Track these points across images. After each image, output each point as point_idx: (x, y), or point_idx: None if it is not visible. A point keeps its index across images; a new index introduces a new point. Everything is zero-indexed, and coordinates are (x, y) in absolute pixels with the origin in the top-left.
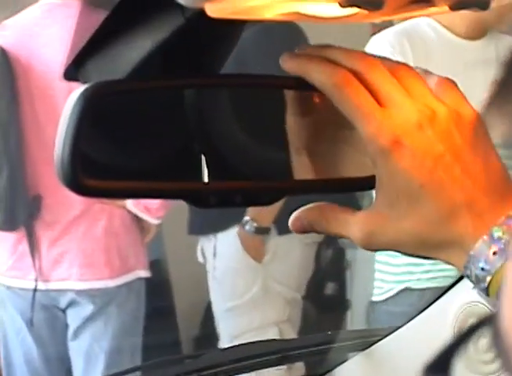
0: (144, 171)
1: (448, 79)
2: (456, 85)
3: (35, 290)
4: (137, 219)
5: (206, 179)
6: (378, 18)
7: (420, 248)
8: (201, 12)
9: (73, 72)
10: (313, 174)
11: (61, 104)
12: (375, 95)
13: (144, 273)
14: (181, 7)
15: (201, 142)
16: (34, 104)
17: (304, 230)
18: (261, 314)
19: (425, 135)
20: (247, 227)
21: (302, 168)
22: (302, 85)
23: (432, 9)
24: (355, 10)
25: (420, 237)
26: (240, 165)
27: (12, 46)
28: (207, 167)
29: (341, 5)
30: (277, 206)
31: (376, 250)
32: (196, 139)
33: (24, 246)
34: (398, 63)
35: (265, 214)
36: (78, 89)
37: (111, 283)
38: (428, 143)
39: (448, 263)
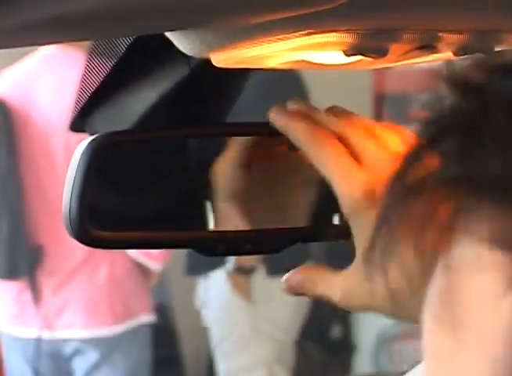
0: (151, 220)
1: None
2: None
3: (39, 339)
4: (140, 265)
5: (211, 227)
6: (382, 65)
7: (393, 313)
8: (206, 62)
9: (79, 123)
10: (241, 223)
11: (59, 154)
12: (353, 153)
13: (148, 318)
14: (186, 57)
15: (205, 189)
16: (33, 154)
17: (295, 293)
18: (249, 354)
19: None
20: (231, 266)
21: (228, 216)
22: None
23: (436, 56)
24: (359, 57)
25: (397, 296)
26: (247, 211)
27: (10, 97)
28: (213, 214)
29: (346, 54)
30: None
31: (356, 311)
32: (201, 186)
33: (27, 295)
34: (375, 121)
35: None
36: (85, 140)
37: (115, 330)
38: None
39: None
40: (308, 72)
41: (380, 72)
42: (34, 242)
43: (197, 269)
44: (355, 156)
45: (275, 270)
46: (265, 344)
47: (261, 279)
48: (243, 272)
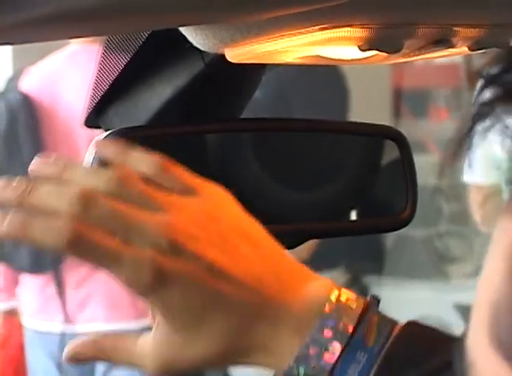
0: None
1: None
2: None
3: (63, 332)
4: None
5: None
6: (397, 60)
7: (222, 363)
8: (221, 58)
9: (94, 119)
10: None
11: (83, 149)
12: (117, 233)
13: None
14: (200, 53)
15: (223, 185)
16: (58, 149)
17: (86, 361)
18: None
19: (183, 254)
20: None
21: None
22: (322, 128)
23: (451, 51)
24: (374, 52)
25: (219, 354)
26: (263, 209)
27: (36, 92)
28: None
29: (361, 49)
30: (309, 249)
31: (174, 375)
32: (219, 183)
33: (51, 289)
34: (127, 173)
35: (297, 253)
36: (99, 136)
37: (136, 325)
38: (190, 263)
39: (262, 366)
40: None
41: (398, 67)
42: None
43: None
44: (126, 233)
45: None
46: None
47: None
48: None
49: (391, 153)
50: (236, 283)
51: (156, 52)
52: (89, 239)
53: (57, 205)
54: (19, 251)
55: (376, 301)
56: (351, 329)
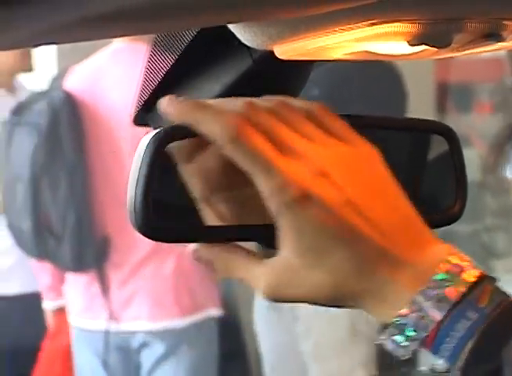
0: None
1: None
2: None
3: (108, 331)
4: None
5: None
6: (446, 55)
7: (331, 300)
8: (269, 54)
9: (142, 117)
10: (226, 221)
11: (127, 146)
12: (275, 144)
13: (215, 312)
14: (249, 49)
15: None
16: (101, 147)
17: (200, 262)
18: (350, 356)
19: (330, 182)
20: None
21: (212, 217)
22: (369, 123)
23: (501, 44)
24: (423, 47)
25: (332, 289)
26: None
27: (79, 91)
28: None
29: (410, 44)
30: None
31: (282, 302)
32: None
33: (96, 287)
34: (292, 106)
35: None
36: (149, 133)
37: (181, 323)
38: (334, 191)
39: (369, 312)
40: None
41: (442, 62)
42: (101, 234)
43: None
44: (279, 149)
45: None
46: (363, 344)
47: None
48: None
49: (437, 148)
50: (372, 224)
51: (204, 50)
52: (251, 139)
53: (227, 105)
54: (61, 248)
55: (494, 279)
56: (465, 289)
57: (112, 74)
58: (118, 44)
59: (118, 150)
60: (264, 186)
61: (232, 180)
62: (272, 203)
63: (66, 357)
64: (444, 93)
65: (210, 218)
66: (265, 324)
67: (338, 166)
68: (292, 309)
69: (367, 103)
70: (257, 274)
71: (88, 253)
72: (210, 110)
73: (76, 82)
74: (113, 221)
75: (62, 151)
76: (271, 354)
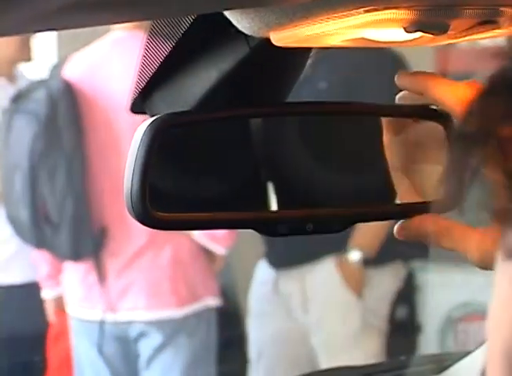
0: (211, 201)
1: None
2: None
3: (105, 321)
4: (204, 248)
5: (274, 207)
6: (443, 41)
7: None
8: (266, 41)
9: (139, 105)
10: (414, 194)
11: (125, 135)
12: None
13: (213, 302)
14: (245, 37)
15: (268, 170)
16: (99, 136)
17: (408, 239)
18: (362, 350)
19: None
20: (354, 257)
21: (402, 188)
22: (366, 110)
23: (498, 31)
24: (419, 34)
25: None
26: (309, 192)
27: (77, 79)
28: (275, 194)
29: (406, 31)
30: (380, 234)
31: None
32: (264, 167)
33: (93, 277)
34: None
35: (372, 242)
36: (146, 121)
37: (179, 313)
38: None
39: None
40: None
41: (443, 50)
42: (99, 223)
43: (283, 260)
44: None
45: (384, 260)
46: (374, 337)
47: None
48: (366, 262)
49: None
50: None
51: (201, 37)
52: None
53: None
54: (59, 237)
55: None
56: None
57: (112, 63)
58: (118, 32)
59: (117, 139)
60: None
61: (424, 155)
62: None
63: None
64: None
65: (404, 188)
66: (261, 308)
67: None
68: (303, 301)
69: (376, 94)
70: (469, 243)
71: (86, 242)
72: (440, 79)
73: (75, 71)
74: (111, 210)
75: (60, 140)
76: (262, 339)
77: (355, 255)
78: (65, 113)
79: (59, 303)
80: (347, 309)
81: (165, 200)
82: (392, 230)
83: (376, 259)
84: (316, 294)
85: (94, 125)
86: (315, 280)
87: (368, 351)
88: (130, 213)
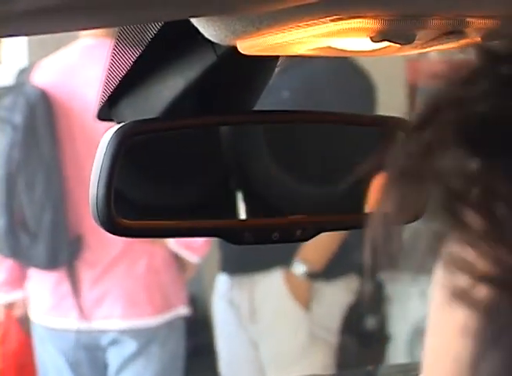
0: (179, 209)
1: None
2: None
3: (77, 330)
4: (177, 256)
5: (242, 216)
6: (410, 51)
7: None
8: (233, 49)
9: (106, 112)
10: None
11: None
12: None
13: (184, 311)
14: (212, 44)
15: (237, 178)
16: (76, 145)
17: None
18: (310, 362)
19: None
20: (298, 270)
21: None
22: (333, 119)
23: (464, 41)
24: (386, 44)
25: None
26: (277, 200)
27: (52, 86)
28: (244, 203)
29: (373, 40)
30: (330, 248)
31: None
32: (233, 176)
33: (66, 286)
34: None
35: (319, 256)
36: (112, 128)
37: (153, 322)
38: None
39: None
40: None
41: (413, 62)
42: (75, 232)
43: (236, 267)
44: None
45: (335, 274)
46: (323, 349)
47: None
48: (311, 276)
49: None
50: None
51: (168, 45)
52: None
53: None
54: (35, 247)
55: None
56: None
57: (84, 70)
58: (88, 39)
59: (93, 147)
60: None
61: None
62: None
63: (21, 358)
64: (415, 93)
65: None
66: (221, 319)
67: None
68: (252, 311)
69: (338, 105)
70: None
71: (62, 252)
72: None
73: (48, 78)
74: (87, 219)
75: (38, 149)
76: (226, 348)
77: (299, 268)
78: (42, 121)
79: (11, 308)
80: (294, 321)
81: (131, 208)
82: (348, 242)
83: (326, 272)
84: (265, 305)
85: (70, 133)
86: (263, 290)
87: (316, 363)
88: (95, 220)
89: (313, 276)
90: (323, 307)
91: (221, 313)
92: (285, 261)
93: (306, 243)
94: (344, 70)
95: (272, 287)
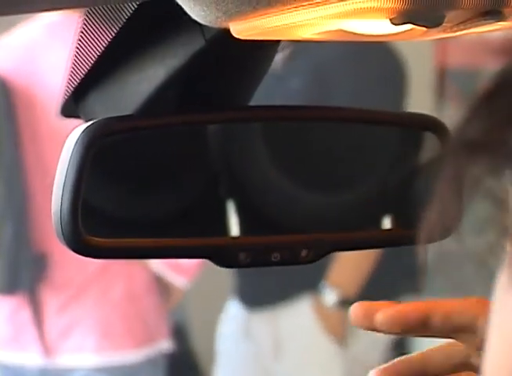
0: (159, 224)
1: None
2: None
3: (42, 368)
4: (160, 280)
5: (234, 233)
6: (437, 36)
7: None
8: (225, 33)
9: (71, 107)
10: None
11: None
12: None
13: (167, 345)
14: (200, 27)
15: (228, 186)
16: (41, 143)
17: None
18: None
19: None
20: (328, 297)
21: None
22: (346, 117)
23: (502, 24)
24: (409, 27)
25: None
26: (277, 215)
27: (11, 72)
28: (237, 217)
29: (393, 23)
30: (364, 267)
31: None
32: (223, 183)
33: (26, 313)
34: None
35: (352, 278)
36: (79, 127)
37: (133, 356)
38: None
39: None
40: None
41: (442, 43)
42: (39, 248)
43: (254, 298)
44: None
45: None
46: None
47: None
48: (344, 304)
49: (432, 148)
50: None
51: (147, 26)
52: None
53: None
54: None
55: None
56: None
57: (52, 53)
58: (53, 15)
59: (60, 146)
60: None
61: None
62: None
63: None
64: (444, 77)
65: None
66: (231, 356)
67: None
68: (275, 347)
69: (356, 94)
70: None
71: (23, 272)
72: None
73: (3, 62)
74: (52, 234)
75: None
76: None
77: (330, 295)
78: (2, 117)
79: None
80: (327, 358)
81: (102, 223)
82: (381, 262)
83: (363, 298)
84: (291, 340)
85: (33, 130)
86: (290, 321)
87: None
88: (59, 238)
89: (347, 303)
90: (362, 341)
91: (232, 350)
92: (313, 285)
93: (335, 262)
94: (366, 49)
95: (299, 319)
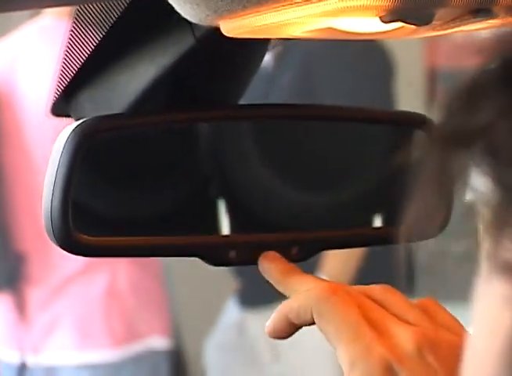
0: (149, 223)
1: (431, 300)
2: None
3: (22, 364)
4: (156, 274)
5: (224, 231)
6: (427, 34)
7: None
8: (215, 31)
9: (62, 106)
10: None
11: (50, 146)
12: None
13: (160, 344)
14: (190, 25)
15: (219, 185)
16: (20, 146)
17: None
18: None
19: (424, 362)
20: None
21: None
22: (336, 115)
23: (492, 22)
24: (398, 25)
25: None
26: (267, 214)
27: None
28: (227, 215)
29: (382, 20)
30: (354, 259)
31: None
32: (213, 182)
33: (8, 312)
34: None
35: (343, 270)
36: (69, 126)
37: (113, 355)
38: (428, 371)
39: None
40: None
41: (431, 42)
42: (17, 248)
43: (254, 299)
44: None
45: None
46: None
47: None
48: None
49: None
50: None
51: (136, 25)
52: (343, 303)
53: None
54: None
55: None
56: None
57: (40, 57)
58: (46, 20)
59: (41, 149)
60: (348, 353)
61: None
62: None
63: None
64: (434, 78)
65: None
66: (223, 354)
67: (431, 341)
68: (273, 347)
69: (345, 91)
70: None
71: (2, 270)
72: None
73: None
74: (32, 232)
75: None
76: None
77: None
78: None
79: None
80: (327, 356)
81: (92, 222)
82: (370, 257)
83: (360, 283)
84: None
85: (13, 132)
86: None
87: None
88: (49, 236)
89: None
90: None
91: (226, 350)
92: None
93: (325, 255)
94: (356, 46)
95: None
